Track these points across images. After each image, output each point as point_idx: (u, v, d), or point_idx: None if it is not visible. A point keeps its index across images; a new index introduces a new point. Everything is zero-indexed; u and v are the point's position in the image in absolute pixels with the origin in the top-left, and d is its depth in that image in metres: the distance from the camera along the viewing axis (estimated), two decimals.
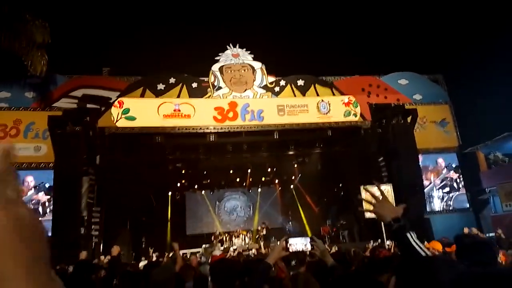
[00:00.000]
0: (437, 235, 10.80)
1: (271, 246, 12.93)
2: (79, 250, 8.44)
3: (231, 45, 13.91)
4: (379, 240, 11.77)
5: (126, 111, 12.74)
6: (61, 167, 11.40)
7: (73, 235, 10.43)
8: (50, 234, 11.49)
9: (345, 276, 1.67)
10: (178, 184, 16.85)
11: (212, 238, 16.00)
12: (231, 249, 13.10)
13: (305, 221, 18.39)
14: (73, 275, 4.45)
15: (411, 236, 1.48)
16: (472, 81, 15.40)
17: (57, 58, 12.74)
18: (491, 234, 11.97)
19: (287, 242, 2.76)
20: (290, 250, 2.80)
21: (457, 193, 15.15)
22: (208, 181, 17.39)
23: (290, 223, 19.05)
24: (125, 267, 6.36)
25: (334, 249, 10.54)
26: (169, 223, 16.81)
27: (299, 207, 18.81)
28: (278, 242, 2.71)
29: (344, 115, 13.97)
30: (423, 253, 1.39)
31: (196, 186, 17.80)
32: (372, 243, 11.50)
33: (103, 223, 11.87)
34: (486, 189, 14.92)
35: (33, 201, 12.60)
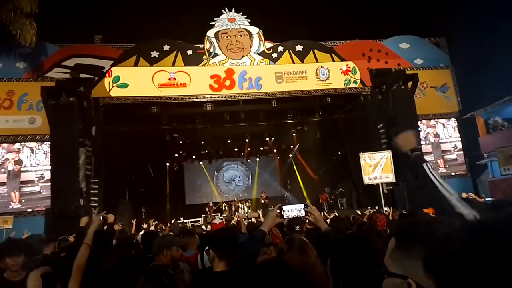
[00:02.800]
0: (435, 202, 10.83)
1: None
2: (79, 221, 8.45)
3: (226, 9, 13.42)
4: (376, 207, 11.84)
5: (117, 79, 12.49)
6: (57, 139, 11.29)
7: (73, 206, 10.43)
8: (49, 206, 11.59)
9: (339, 241, 1.62)
10: (176, 155, 16.77)
11: (207, 208, 16.05)
12: (232, 217, 13.21)
13: (303, 190, 18.50)
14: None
15: (428, 167, 1.57)
16: (474, 44, 14.97)
17: (48, 26, 12.32)
18: (487, 199, 12.03)
19: (281, 209, 2.76)
20: (285, 217, 2.78)
21: (456, 158, 15.15)
22: (206, 151, 17.31)
23: (289, 191, 19.18)
24: (123, 236, 6.38)
25: (333, 215, 10.62)
26: (168, 193, 16.87)
27: (298, 175, 18.87)
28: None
29: (344, 83, 13.72)
30: (437, 184, 1.45)
31: (193, 156, 17.74)
32: (370, 210, 11.57)
33: (102, 194, 11.88)
34: (485, 155, 14.88)
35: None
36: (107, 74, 12.58)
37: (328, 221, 6.09)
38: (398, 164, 11.67)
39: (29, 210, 12.15)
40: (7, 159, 12.49)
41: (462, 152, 15.20)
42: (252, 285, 1.90)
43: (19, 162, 12.54)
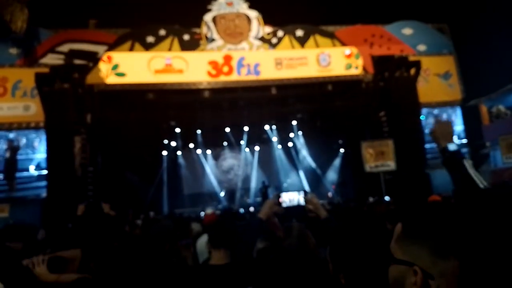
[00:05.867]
0: (437, 190, 10.67)
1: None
2: (76, 210, 8.31)
3: None
4: (377, 197, 11.69)
5: (115, 67, 12.23)
6: (52, 126, 11.20)
7: (69, 195, 10.27)
8: (45, 194, 11.46)
9: (339, 227, 1.68)
10: (173, 143, 16.54)
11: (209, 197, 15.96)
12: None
13: (304, 178, 18.35)
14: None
15: (468, 164, 1.45)
16: (479, 30, 14.66)
17: (41, 11, 12.01)
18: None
19: (279, 196, 2.66)
20: (284, 205, 2.68)
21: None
22: (204, 139, 17.08)
23: (288, 180, 19.02)
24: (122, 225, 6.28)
25: (333, 204, 10.46)
26: (165, 182, 16.71)
27: (298, 163, 18.70)
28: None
29: (345, 68, 13.43)
30: (479, 183, 1.33)
31: (191, 145, 17.51)
32: (371, 199, 11.42)
33: (98, 183, 11.71)
34: (487, 143, 14.68)
35: None
36: (107, 60, 12.30)
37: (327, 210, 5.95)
38: (400, 153, 11.49)
39: (25, 198, 12.00)
40: (3, 146, 12.32)
41: (464, 140, 14.98)
42: (250, 275, 1.83)
43: (15, 149, 12.35)
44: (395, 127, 12.73)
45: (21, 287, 1.68)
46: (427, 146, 12.92)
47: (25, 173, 12.32)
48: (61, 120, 11.03)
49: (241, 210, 11.61)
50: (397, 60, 13.34)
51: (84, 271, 2.34)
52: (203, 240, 3.96)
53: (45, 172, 11.72)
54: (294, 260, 1.70)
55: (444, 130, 1.64)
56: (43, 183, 11.72)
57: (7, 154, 12.29)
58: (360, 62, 13.52)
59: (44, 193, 11.60)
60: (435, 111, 14.97)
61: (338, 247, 1.44)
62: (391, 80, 12.95)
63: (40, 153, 12.33)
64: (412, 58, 13.63)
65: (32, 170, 12.35)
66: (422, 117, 13.69)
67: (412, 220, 0.96)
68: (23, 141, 12.55)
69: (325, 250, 1.58)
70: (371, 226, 1.67)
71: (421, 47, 14.94)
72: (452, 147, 1.55)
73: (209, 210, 6.50)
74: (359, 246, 1.38)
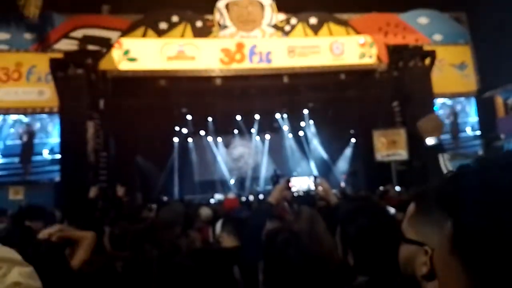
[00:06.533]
0: None
1: None
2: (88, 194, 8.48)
3: None
4: (389, 185, 11.63)
5: (127, 52, 12.29)
6: (66, 111, 11.40)
7: (82, 179, 10.46)
8: (58, 178, 11.69)
9: (350, 209, 1.63)
10: (184, 130, 16.64)
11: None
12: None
13: (314, 168, 18.32)
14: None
15: (443, 159, 1.48)
16: (496, 19, 14.27)
17: None
18: None
19: (288, 181, 2.67)
20: (294, 190, 2.73)
21: (472, 139, 14.75)
22: (215, 127, 17.12)
23: (298, 169, 19.01)
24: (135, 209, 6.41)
25: (344, 193, 10.44)
26: (176, 169, 16.85)
27: (309, 153, 18.66)
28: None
29: (359, 57, 13.26)
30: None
31: (202, 132, 17.58)
32: (382, 188, 11.37)
33: (110, 168, 11.88)
34: (501, 136, 14.42)
35: None
36: (117, 45, 12.36)
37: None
38: (413, 142, 11.37)
39: (38, 182, 12.25)
40: (18, 130, 12.56)
41: (478, 132, 14.74)
42: (259, 257, 1.84)
43: (32, 134, 12.59)
44: (408, 118, 12.58)
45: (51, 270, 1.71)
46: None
47: (38, 157, 12.56)
48: (75, 105, 11.19)
49: (251, 198, 11.69)
50: (412, 50, 13.13)
51: (99, 253, 2.40)
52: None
53: (58, 156, 11.93)
54: (303, 242, 1.71)
55: (431, 124, 1.64)
56: (56, 167, 11.94)
57: (24, 138, 12.54)
58: (374, 51, 13.32)
59: (57, 177, 11.83)
60: (450, 102, 14.74)
61: (348, 227, 1.44)
62: (405, 70, 12.77)
63: (54, 138, 12.53)
64: (427, 48, 13.39)
65: (46, 155, 12.58)
66: (435, 108, 13.50)
67: (425, 199, 0.96)
68: (37, 125, 12.77)
69: (335, 235, 1.59)
70: (381, 208, 1.68)
71: (437, 37, 14.64)
72: (430, 141, 1.57)
73: (231, 195, 6.55)
74: (370, 226, 1.38)
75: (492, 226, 0.36)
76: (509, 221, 0.35)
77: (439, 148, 1.52)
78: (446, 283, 0.43)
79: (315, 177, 2.78)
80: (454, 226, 0.42)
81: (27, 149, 12.47)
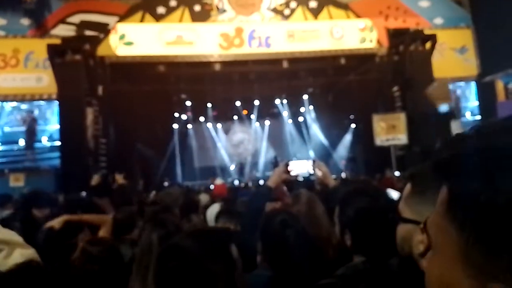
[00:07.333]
0: None
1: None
2: (88, 180, 8.53)
3: None
4: (388, 171, 11.68)
5: (122, 36, 12.17)
6: (65, 97, 11.35)
7: (82, 166, 10.50)
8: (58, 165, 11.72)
9: (349, 190, 1.64)
10: (184, 116, 16.61)
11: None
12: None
13: (314, 153, 18.35)
14: None
15: (455, 125, 1.37)
16: (498, 3, 14.08)
17: None
18: None
19: (287, 165, 2.67)
20: (293, 174, 2.71)
21: (471, 124, 14.71)
22: (214, 113, 17.09)
23: (298, 154, 19.04)
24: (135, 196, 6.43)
25: (343, 178, 10.49)
26: (176, 155, 16.88)
27: (309, 138, 18.66)
28: None
29: (359, 41, 13.13)
30: None
31: (201, 118, 17.55)
32: (381, 174, 11.42)
33: (110, 154, 11.91)
34: None
35: None
36: (113, 31, 12.22)
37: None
38: (413, 127, 11.36)
39: (38, 168, 12.28)
40: (17, 117, 12.54)
41: (478, 117, 14.70)
42: (256, 239, 1.88)
43: (31, 121, 12.57)
44: (408, 102, 12.55)
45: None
46: None
47: (38, 144, 12.57)
48: (73, 91, 11.13)
49: (250, 184, 11.74)
50: (413, 34, 13.00)
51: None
52: (213, 210, 4.04)
53: (57, 143, 11.94)
54: (301, 224, 1.73)
55: (441, 91, 1.60)
56: (56, 154, 11.95)
57: (28, 125, 12.53)
58: (374, 35, 13.19)
59: (57, 164, 11.86)
60: (450, 86, 14.66)
61: (346, 208, 1.45)
62: (406, 54, 12.67)
63: (53, 125, 12.51)
64: (428, 32, 13.25)
65: (45, 141, 12.59)
66: None
67: (421, 178, 0.95)
68: (36, 112, 12.74)
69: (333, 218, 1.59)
70: (379, 190, 1.67)
71: (438, 20, 14.45)
72: (443, 108, 1.53)
73: (218, 181, 6.56)
74: (368, 208, 1.39)
75: (488, 189, 0.36)
76: (504, 184, 0.35)
77: (451, 114, 1.45)
78: (439, 249, 0.43)
79: (314, 161, 2.79)
80: (449, 189, 0.42)
81: (30, 135, 12.48)
